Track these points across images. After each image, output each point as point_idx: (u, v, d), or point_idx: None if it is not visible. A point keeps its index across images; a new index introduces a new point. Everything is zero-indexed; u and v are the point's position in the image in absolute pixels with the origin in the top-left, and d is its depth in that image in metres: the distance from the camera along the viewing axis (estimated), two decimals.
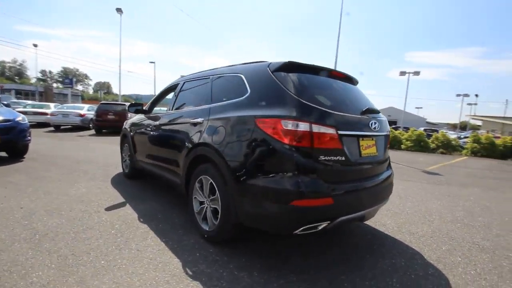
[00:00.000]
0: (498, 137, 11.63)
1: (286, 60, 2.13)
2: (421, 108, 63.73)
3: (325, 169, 1.90)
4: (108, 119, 12.52)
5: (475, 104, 43.90)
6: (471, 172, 7.38)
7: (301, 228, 1.86)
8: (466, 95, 37.93)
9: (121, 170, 5.01)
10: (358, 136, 2.13)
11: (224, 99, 2.55)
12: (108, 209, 3.11)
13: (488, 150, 10.69)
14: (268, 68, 2.19)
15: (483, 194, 4.86)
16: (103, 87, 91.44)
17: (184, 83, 3.31)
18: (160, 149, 3.34)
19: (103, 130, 13.02)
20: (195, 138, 2.56)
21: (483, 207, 3.99)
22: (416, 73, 21.09)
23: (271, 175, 1.91)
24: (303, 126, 1.84)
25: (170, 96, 3.98)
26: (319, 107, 1.94)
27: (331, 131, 1.91)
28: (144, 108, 4.03)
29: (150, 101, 4.09)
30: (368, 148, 2.22)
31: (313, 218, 1.84)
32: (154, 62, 34.84)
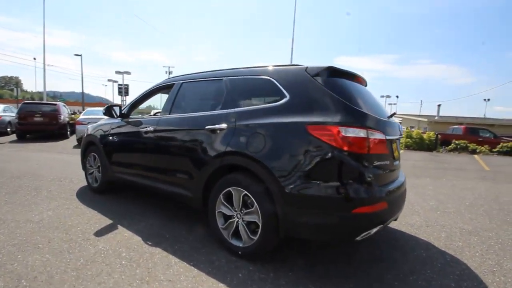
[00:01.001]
0: (424, 133, 13.78)
1: (326, 65, 2.09)
2: None
3: (378, 174, 1.93)
4: (34, 122, 10.51)
5: (395, 104, 51.06)
6: (415, 164, 8.56)
7: (362, 235, 1.85)
8: (388, 96, 43.86)
9: (82, 184, 4.26)
10: (392, 140, 2.22)
11: (249, 103, 2.37)
12: (98, 234, 2.59)
13: (418, 144, 12.61)
14: (306, 73, 2.11)
15: (436, 183, 5.67)
16: (10, 83, 76.48)
17: (182, 84, 2.96)
18: (156, 159, 2.93)
19: (27, 135, 10.90)
20: (219, 146, 2.31)
21: (445, 195, 4.65)
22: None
23: (329, 184, 1.84)
24: (361, 133, 1.83)
25: (153, 99, 3.55)
26: (369, 112, 1.96)
27: (382, 136, 1.95)
28: (122, 111, 3.47)
29: (129, 103, 3.55)
30: (396, 151, 2.34)
31: (373, 223, 1.86)
32: (80, 55, 30.42)
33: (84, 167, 4.12)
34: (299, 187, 1.90)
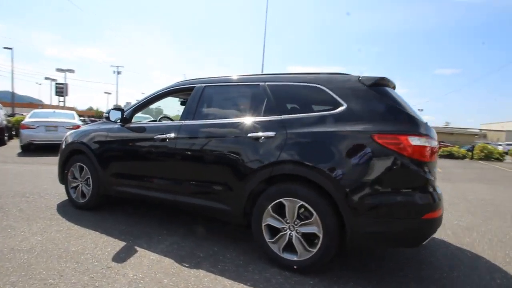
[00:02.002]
0: None
1: (379, 75, 2.13)
2: None
3: (434, 180, 2.03)
4: None
5: None
6: None
7: (427, 240, 1.91)
8: None
9: (57, 200, 3.62)
10: None
11: (296, 110, 2.30)
12: (119, 259, 2.20)
13: None
14: (361, 82, 2.13)
15: None
16: None
17: (204, 87, 2.73)
18: (179, 170, 2.62)
19: None
20: (268, 155, 2.18)
21: None
22: None
23: (398, 192, 1.88)
24: (424, 141, 1.90)
25: (156, 104, 3.22)
26: (424, 121, 2.05)
27: (437, 144, 2.06)
28: (125, 116, 3.05)
29: (132, 107, 3.14)
30: None
31: (436, 228, 1.94)
32: (11, 48, 26.10)
33: (63, 180, 3.50)
34: (367, 196, 1.88)
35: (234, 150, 2.35)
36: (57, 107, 27.14)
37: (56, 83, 26.82)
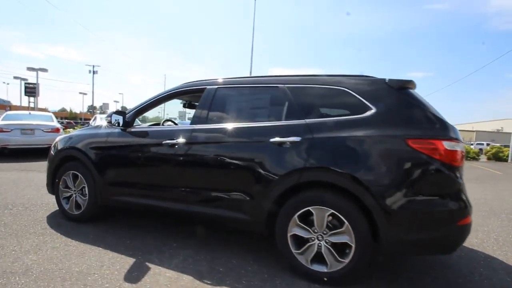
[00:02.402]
0: None
1: (406, 78, 2.10)
2: None
3: (464, 185, 2.01)
4: None
5: None
6: None
7: (460, 245, 1.88)
8: None
9: (46, 212, 3.31)
10: None
11: (320, 114, 2.21)
12: (131, 279, 1.99)
13: None
14: (388, 85, 2.08)
15: None
16: None
17: (217, 89, 2.57)
18: (192, 178, 2.44)
19: None
20: (294, 162, 2.06)
21: None
22: None
23: (435, 197, 1.83)
24: (457, 146, 1.87)
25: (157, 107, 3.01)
26: (452, 124, 2.03)
27: (463, 148, 2.05)
28: (127, 119, 2.81)
29: (133, 110, 2.90)
30: None
31: (468, 233, 1.91)
32: None
33: (53, 190, 3.19)
34: (402, 203, 1.82)
35: (255, 156, 2.21)
36: (28, 108, 25.44)
37: (26, 83, 25.10)
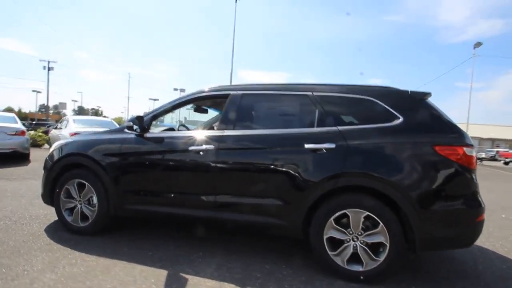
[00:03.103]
0: None
1: (427, 91, 2.31)
2: None
3: None
4: None
5: None
6: None
7: (476, 240, 2.13)
8: None
9: (42, 224, 3.03)
10: None
11: (349, 121, 2.35)
12: None
13: None
14: (411, 96, 2.28)
15: None
16: None
17: (242, 95, 2.59)
18: (222, 185, 2.42)
19: None
20: (330, 167, 2.17)
21: None
22: (182, 90, 25.82)
23: (459, 197, 2.06)
24: (473, 151, 2.13)
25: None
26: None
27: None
28: (144, 125, 2.69)
29: (149, 115, 2.78)
30: None
31: (482, 228, 2.16)
32: None
33: (52, 201, 2.92)
34: (433, 204, 2.02)
35: (290, 163, 2.28)
36: None
37: None
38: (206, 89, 2.76)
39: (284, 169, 2.29)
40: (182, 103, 2.79)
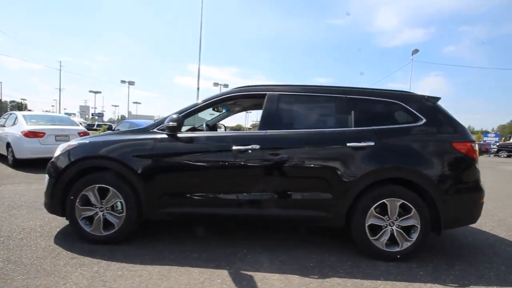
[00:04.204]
0: None
1: (438, 96, 2.74)
2: None
3: None
4: None
5: (250, 112, 58.86)
6: None
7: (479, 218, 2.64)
8: None
9: (48, 237, 2.69)
10: None
11: (380, 122, 2.63)
12: None
13: None
14: (427, 100, 2.68)
15: None
16: None
17: (280, 95, 2.69)
18: (268, 183, 2.49)
19: None
20: (372, 163, 2.44)
21: None
22: (226, 85, 25.43)
23: (469, 183, 2.53)
24: (476, 145, 2.62)
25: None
26: None
27: None
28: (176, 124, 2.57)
29: (181, 114, 2.66)
30: None
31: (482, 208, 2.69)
32: None
33: (63, 210, 2.60)
34: (454, 189, 2.45)
35: (334, 159, 2.47)
36: None
37: None
38: (242, 88, 2.77)
39: (328, 166, 2.48)
40: (216, 101, 2.75)
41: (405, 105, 2.64)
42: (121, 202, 2.55)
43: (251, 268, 2.25)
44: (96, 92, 59.49)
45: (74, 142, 2.75)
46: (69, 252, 2.40)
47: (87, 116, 64.33)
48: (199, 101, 2.78)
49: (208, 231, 2.97)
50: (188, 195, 2.55)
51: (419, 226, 2.43)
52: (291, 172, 2.52)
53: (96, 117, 54.61)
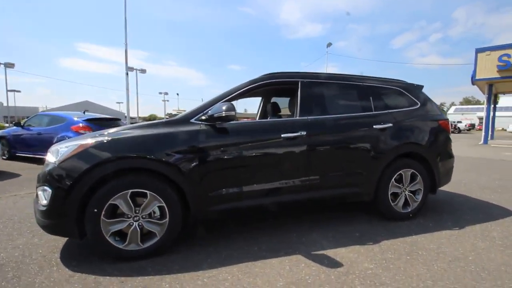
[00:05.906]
0: None
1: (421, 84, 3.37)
2: (121, 102, 66.72)
3: None
4: None
5: (168, 100, 54.84)
6: None
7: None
8: (166, 93, 46.81)
9: (66, 260, 2.14)
10: None
11: (390, 106, 3.08)
12: (335, 265, 2.09)
13: None
14: (416, 87, 3.29)
15: None
16: None
17: (311, 82, 2.79)
18: (312, 167, 2.60)
19: None
20: (394, 141, 2.87)
21: None
22: (143, 71, 22.49)
23: (449, 152, 3.28)
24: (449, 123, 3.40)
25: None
26: None
27: None
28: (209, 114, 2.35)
29: (223, 99, 2.42)
30: None
31: None
32: None
33: (78, 229, 2.07)
34: (444, 158, 3.16)
35: (366, 140, 2.80)
36: None
37: None
38: (276, 75, 2.73)
39: (363, 146, 2.79)
40: (250, 88, 2.61)
41: (406, 92, 3.17)
42: (160, 206, 2.20)
43: (317, 248, 2.37)
44: None
45: (85, 140, 2.15)
46: (114, 277, 1.95)
47: None
48: (230, 90, 2.57)
49: (236, 225, 2.88)
50: (238, 189, 2.42)
51: (422, 189, 3.04)
52: (332, 155, 2.71)
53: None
